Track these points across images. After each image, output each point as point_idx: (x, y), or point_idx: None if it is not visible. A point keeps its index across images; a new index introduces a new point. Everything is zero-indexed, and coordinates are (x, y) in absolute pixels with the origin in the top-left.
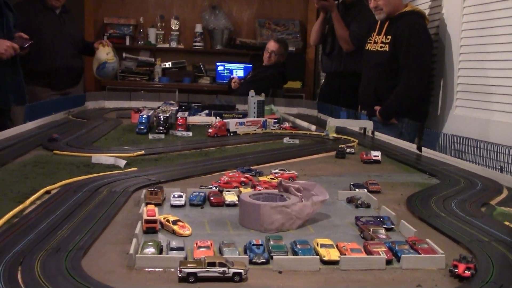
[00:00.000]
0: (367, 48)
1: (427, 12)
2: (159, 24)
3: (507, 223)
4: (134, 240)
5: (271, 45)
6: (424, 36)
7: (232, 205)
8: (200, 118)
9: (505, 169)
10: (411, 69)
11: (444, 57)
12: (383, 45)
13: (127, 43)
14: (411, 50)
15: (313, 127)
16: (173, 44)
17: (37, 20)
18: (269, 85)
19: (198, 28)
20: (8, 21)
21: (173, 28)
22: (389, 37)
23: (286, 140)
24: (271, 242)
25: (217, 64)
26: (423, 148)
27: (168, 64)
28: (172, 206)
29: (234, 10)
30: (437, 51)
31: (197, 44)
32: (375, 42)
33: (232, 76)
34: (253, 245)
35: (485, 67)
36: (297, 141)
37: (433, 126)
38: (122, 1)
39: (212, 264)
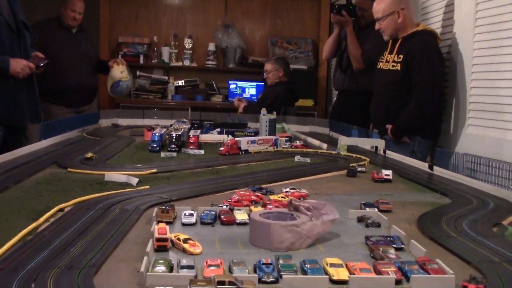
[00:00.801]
0: (378, 67)
1: (439, 31)
2: (172, 43)
3: None
4: (145, 258)
5: (265, 66)
6: (436, 55)
7: (242, 223)
8: (212, 136)
9: None
10: (423, 88)
11: (456, 76)
12: (395, 64)
13: (141, 61)
14: (422, 69)
15: (325, 145)
16: (186, 63)
17: (54, 40)
18: (278, 103)
19: (211, 46)
20: (25, 41)
21: (186, 46)
22: (401, 56)
23: (297, 158)
24: (281, 261)
25: (230, 82)
26: (435, 167)
27: (181, 82)
28: (183, 224)
29: (246, 29)
30: (449, 70)
31: (210, 62)
32: (387, 61)
33: (236, 98)
34: (263, 264)
35: (498, 86)
36: (308, 160)
37: (446, 145)
38: (136, 20)
39: (221, 283)
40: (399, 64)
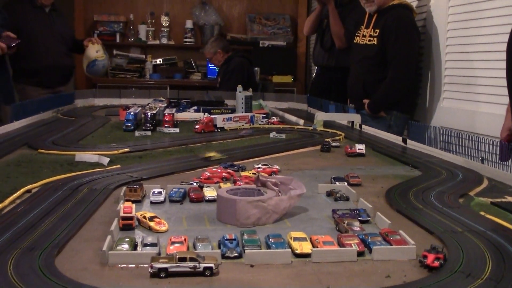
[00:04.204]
0: (355, 41)
1: (414, 4)
2: (149, 20)
3: (482, 213)
4: (109, 237)
5: (206, 55)
6: (412, 29)
7: (211, 200)
8: (188, 114)
9: (486, 159)
10: (399, 62)
11: (431, 49)
12: (371, 39)
13: (118, 40)
14: (398, 43)
15: (301, 121)
16: (164, 41)
17: (27, 19)
18: (241, 75)
19: (189, 24)
20: None
21: (163, 24)
22: (377, 30)
23: (272, 134)
24: (245, 236)
25: (208, 60)
26: (408, 141)
27: (159, 61)
28: (152, 202)
29: (224, 5)
30: (424, 43)
31: (187, 40)
32: (364, 36)
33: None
34: (226, 239)
35: (471, 58)
36: (283, 136)
37: (422, 118)
38: None
39: (182, 259)
40: (375, 39)
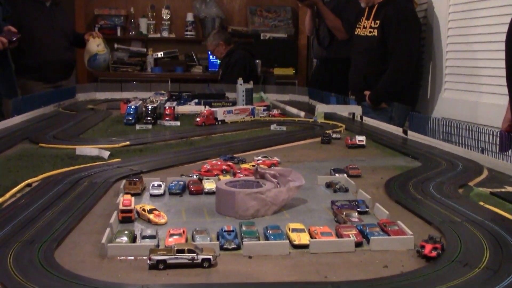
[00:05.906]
0: (356, 33)
1: None
2: (150, 14)
3: (482, 203)
4: (108, 230)
5: (208, 48)
6: (412, 20)
7: (211, 193)
8: (189, 108)
9: (486, 149)
10: (400, 53)
11: (432, 40)
12: (372, 30)
13: (119, 34)
14: (399, 34)
15: (302, 114)
16: (165, 34)
17: (28, 13)
18: (240, 70)
19: (189, 17)
20: None
21: (164, 17)
22: (378, 21)
23: (273, 127)
24: (243, 228)
25: (209, 52)
26: (409, 132)
27: (160, 54)
28: (151, 195)
29: None
30: (426, 34)
31: (188, 33)
32: (364, 27)
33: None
34: (225, 231)
35: (473, 49)
36: (284, 128)
37: (423, 110)
38: None
39: (181, 251)
40: (376, 30)
